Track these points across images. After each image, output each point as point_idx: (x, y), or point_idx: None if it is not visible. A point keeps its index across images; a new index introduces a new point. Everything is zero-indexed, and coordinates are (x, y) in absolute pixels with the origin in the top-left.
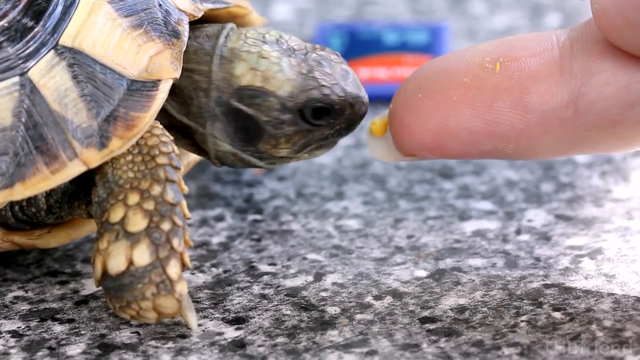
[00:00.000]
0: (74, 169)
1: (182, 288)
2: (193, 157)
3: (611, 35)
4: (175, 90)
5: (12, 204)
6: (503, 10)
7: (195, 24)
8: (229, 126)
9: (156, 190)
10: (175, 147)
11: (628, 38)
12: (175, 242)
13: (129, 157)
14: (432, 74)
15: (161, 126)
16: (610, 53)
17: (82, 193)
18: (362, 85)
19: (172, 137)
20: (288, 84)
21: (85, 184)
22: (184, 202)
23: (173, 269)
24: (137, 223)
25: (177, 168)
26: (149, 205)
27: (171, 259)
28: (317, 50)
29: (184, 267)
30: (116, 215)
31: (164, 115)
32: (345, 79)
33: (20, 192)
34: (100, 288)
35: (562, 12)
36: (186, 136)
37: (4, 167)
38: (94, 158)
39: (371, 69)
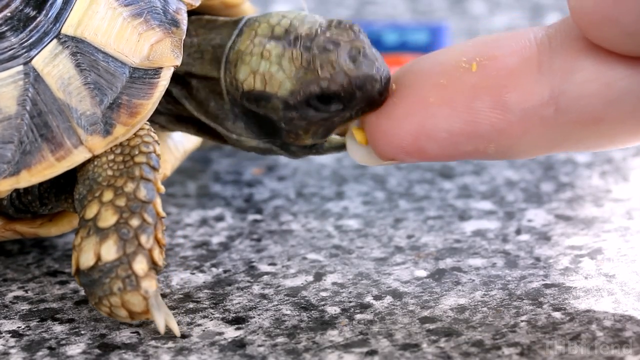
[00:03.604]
0: (79, 156)
1: (148, 285)
2: (189, 145)
3: (589, 33)
4: (192, 92)
5: (11, 193)
6: (503, 10)
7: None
8: (250, 124)
9: (129, 187)
10: (158, 148)
11: (607, 35)
12: (143, 239)
13: (111, 156)
14: (406, 77)
15: (147, 126)
16: (590, 50)
17: (69, 187)
18: (378, 58)
19: (156, 138)
20: (287, 82)
21: (73, 179)
22: (157, 201)
23: (139, 264)
24: (107, 219)
25: (154, 168)
26: (121, 202)
27: (138, 254)
28: (329, 30)
29: (155, 266)
30: (91, 211)
31: (178, 107)
32: (355, 59)
33: (26, 179)
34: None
35: (562, 12)
36: (198, 126)
37: (10, 155)
38: (98, 145)
39: None
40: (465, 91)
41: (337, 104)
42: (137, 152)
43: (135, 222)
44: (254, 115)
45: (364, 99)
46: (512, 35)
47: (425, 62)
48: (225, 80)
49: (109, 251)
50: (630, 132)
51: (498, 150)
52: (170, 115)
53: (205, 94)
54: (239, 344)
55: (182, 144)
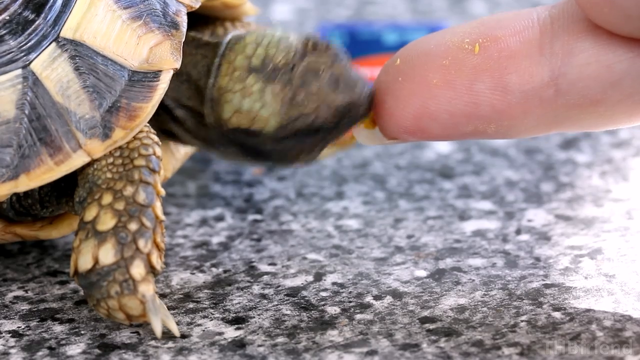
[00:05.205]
0: (77, 160)
1: (145, 289)
2: (190, 148)
3: (591, 13)
4: (179, 120)
5: (11, 196)
6: (503, 10)
7: (191, 16)
8: (240, 150)
9: (128, 190)
10: (158, 150)
11: (608, 16)
12: (141, 243)
13: (110, 159)
14: (412, 57)
15: (147, 129)
16: (591, 32)
17: (70, 190)
18: (358, 79)
19: (156, 139)
20: (273, 119)
21: (73, 182)
22: (157, 204)
23: (136, 269)
24: (106, 222)
25: (154, 171)
26: (120, 205)
27: (135, 259)
28: (306, 57)
29: (153, 270)
30: (90, 214)
31: (159, 118)
32: (336, 87)
33: (25, 183)
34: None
35: None
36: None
37: (8, 159)
38: (97, 149)
39: (371, 69)
40: (467, 73)
41: (325, 131)
42: (136, 155)
43: (133, 226)
44: (243, 145)
45: (350, 120)
46: (516, 15)
47: (431, 42)
48: (210, 117)
49: (107, 255)
50: (628, 114)
51: (498, 131)
52: (152, 127)
53: (192, 124)
54: (239, 344)
55: (183, 146)
